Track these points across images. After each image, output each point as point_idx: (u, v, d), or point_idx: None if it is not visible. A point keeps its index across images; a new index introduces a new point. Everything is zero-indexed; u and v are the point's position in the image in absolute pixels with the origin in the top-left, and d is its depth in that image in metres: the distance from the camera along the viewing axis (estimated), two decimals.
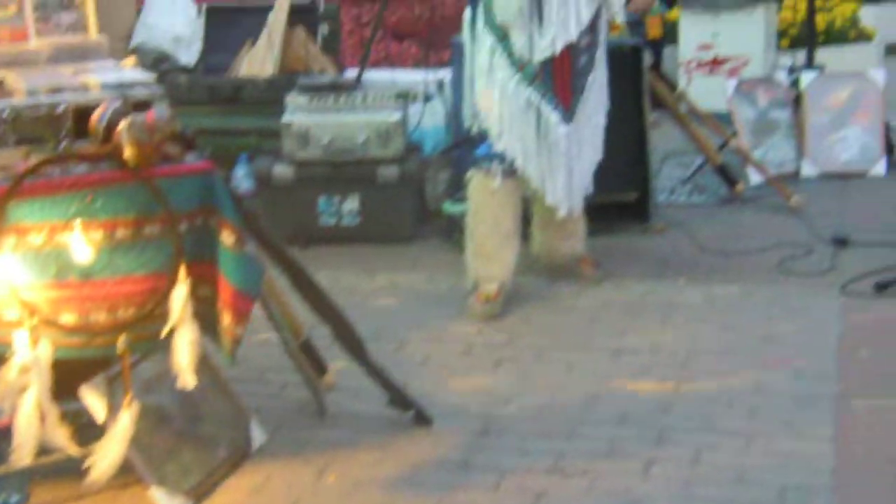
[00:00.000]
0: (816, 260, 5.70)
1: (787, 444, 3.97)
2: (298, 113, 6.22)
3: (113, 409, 3.58)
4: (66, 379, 3.56)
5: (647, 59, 6.26)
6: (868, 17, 9.74)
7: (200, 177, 3.71)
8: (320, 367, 4.30)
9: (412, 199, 6.25)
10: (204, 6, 7.48)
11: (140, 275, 3.61)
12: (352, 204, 6.15)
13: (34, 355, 3.49)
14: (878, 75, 7.35)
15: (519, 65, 5.08)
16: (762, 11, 8.67)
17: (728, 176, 6.73)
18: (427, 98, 6.81)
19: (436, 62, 7.10)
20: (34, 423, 3.48)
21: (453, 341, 4.95)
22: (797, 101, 7.28)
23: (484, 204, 5.27)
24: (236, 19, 7.30)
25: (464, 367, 4.71)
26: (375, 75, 7.13)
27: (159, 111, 3.74)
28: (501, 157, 5.19)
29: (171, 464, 3.71)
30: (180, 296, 3.60)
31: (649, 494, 3.69)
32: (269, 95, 6.67)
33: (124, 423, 3.54)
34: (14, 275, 3.52)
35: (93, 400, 3.60)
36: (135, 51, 7.31)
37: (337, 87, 6.46)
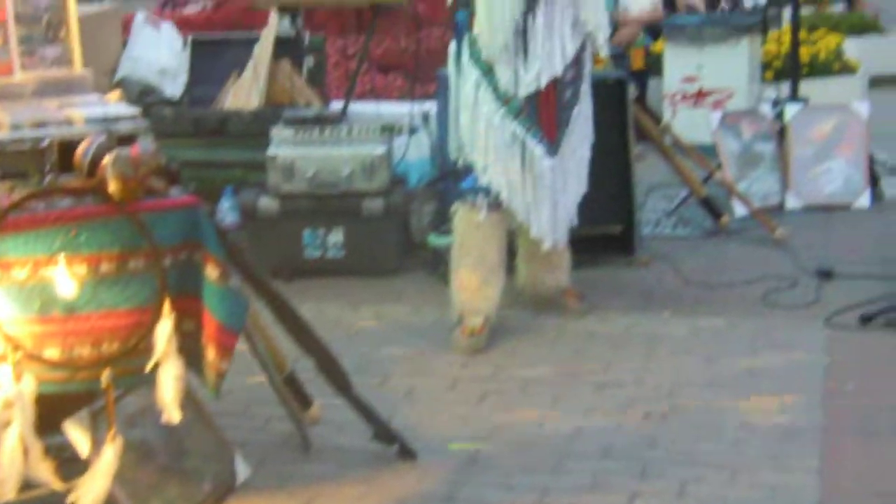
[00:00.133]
0: (801, 292, 5.71)
1: (773, 476, 3.97)
2: (283, 146, 6.22)
3: (97, 444, 3.56)
4: (50, 413, 3.54)
5: (632, 91, 6.27)
6: (852, 49, 9.76)
7: (185, 211, 3.71)
8: (305, 401, 4.29)
9: (397, 231, 6.25)
10: (189, 38, 7.49)
11: (124, 309, 3.61)
12: (336, 237, 6.15)
13: (17, 390, 3.47)
14: (862, 108, 7.37)
15: (504, 99, 5.10)
16: (746, 44, 8.69)
17: (713, 208, 6.73)
18: (412, 130, 6.81)
19: (421, 94, 7.10)
20: (18, 457, 3.46)
21: (438, 374, 4.95)
22: (781, 134, 7.28)
23: (469, 237, 5.27)
24: (221, 51, 7.30)
25: (449, 400, 4.71)
26: (361, 107, 7.13)
27: (144, 145, 3.74)
28: (486, 190, 5.20)
29: (156, 499, 3.70)
30: (165, 330, 3.59)
31: None
32: (255, 128, 6.65)
33: (108, 457, 3.53)
34: None
35: (76, 434, 3.58)
36: (120, 83, 7.29)
37: (322, 120, 6.46)
